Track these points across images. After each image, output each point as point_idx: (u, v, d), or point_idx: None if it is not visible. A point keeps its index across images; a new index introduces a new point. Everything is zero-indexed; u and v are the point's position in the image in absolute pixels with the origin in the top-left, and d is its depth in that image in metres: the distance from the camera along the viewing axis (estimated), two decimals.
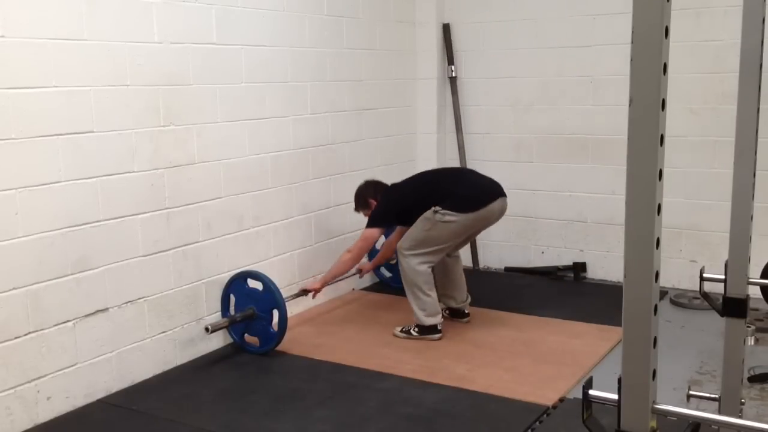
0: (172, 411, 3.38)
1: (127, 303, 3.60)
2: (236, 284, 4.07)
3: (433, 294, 4.20)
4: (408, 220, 4.23)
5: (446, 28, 5.64)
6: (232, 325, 4.04)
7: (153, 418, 3.33)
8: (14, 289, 3.12)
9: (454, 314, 4.46)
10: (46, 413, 3.27)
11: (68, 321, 3.34)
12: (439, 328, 4.18)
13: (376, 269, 5.16)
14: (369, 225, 4.29)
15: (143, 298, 3.68)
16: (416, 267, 4.12)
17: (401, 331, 4.23)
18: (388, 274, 5.28)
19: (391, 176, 5.47)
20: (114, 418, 3.35)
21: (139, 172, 3.61)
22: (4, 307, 3.08)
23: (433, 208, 4.08)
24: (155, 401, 3.48)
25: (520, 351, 4.04)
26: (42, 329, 3.23)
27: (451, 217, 4.06)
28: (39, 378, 3.24)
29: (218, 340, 4.12)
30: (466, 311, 4.49)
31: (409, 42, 5.61)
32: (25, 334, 3.17)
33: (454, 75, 5.64)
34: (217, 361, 3.97)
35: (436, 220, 4.07)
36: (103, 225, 3.46)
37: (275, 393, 3.56)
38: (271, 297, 3.95)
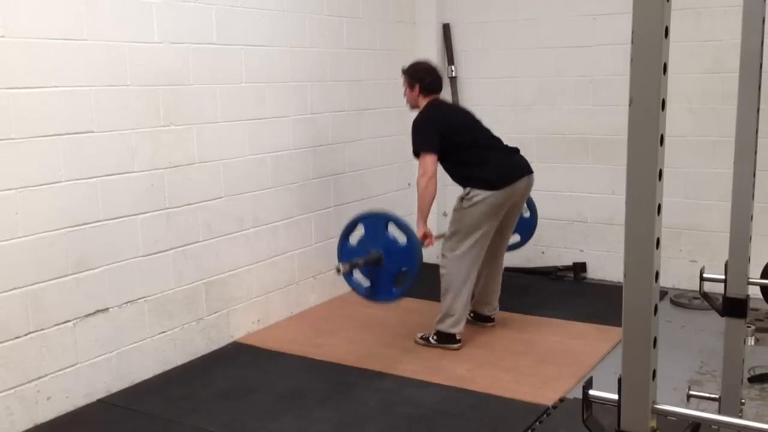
0: (172, 411, 3.38)
1: (127, 303, 3.60)
2: (374, 221, 3.69)
3: (467, 304, 4.10)
4: (448, 150, 4.01)
5: (446, 28, 5.63)
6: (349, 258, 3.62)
7: (153, 418, 3.33)
8: (14, 289, 3.12)
9: (480, 319, 4.39)
10: (46, 413, 3.27)
11: (68, 321, 3.34)
12: (458, 338, 4.06)
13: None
14: (421, 151, 3.97)
15: (143, 298, 3.68)
16: (462, 270, 3.98)
17: (421, 337, 4.14)
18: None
19: (390, 175, 5.49)
20: (114, 418, 3.35)
21: (139, 172, 3.61)
22: (4, 307, 3.08)
23: (459, 196, 4.00)
24: (155, 401, 3.48)
25: (520, 351, 4.04)
26: (42, 329, 3.24)
27: (478, 197, 3.92)
28: (39, 378, 3.24)
29: (219, 340, 4.12)
30: (493, 317, 4.41)
31: (409, 42, 5.60)
32: (25, 334, 3.17)
33: (454, 75, 5.63)
34: (217, 361, 3.97)
35: (464, 207, 3.97)
36: (103, 225, 3.46)
37: (275, 393, 3.56)
38: (410, 258, 3.53)
